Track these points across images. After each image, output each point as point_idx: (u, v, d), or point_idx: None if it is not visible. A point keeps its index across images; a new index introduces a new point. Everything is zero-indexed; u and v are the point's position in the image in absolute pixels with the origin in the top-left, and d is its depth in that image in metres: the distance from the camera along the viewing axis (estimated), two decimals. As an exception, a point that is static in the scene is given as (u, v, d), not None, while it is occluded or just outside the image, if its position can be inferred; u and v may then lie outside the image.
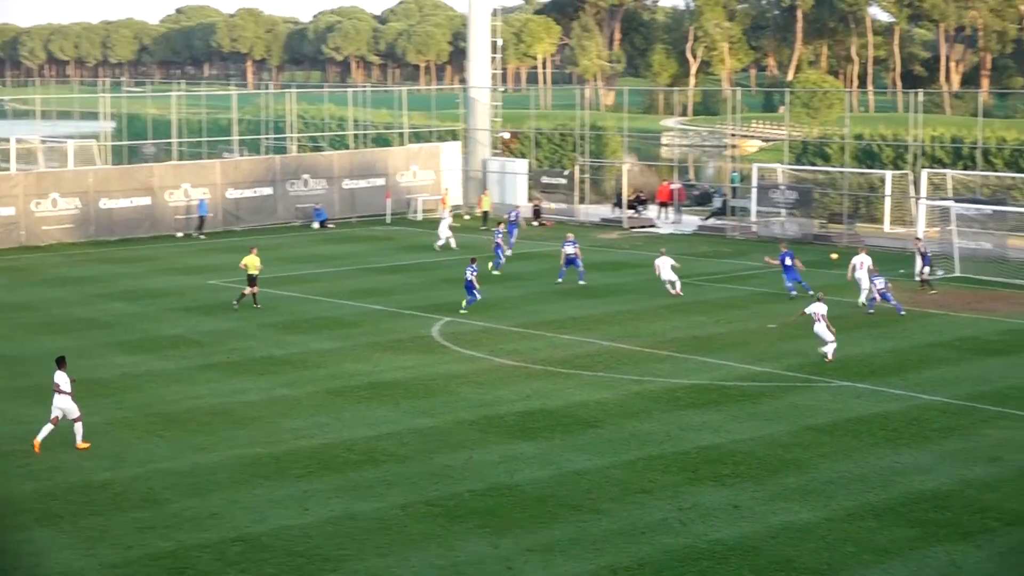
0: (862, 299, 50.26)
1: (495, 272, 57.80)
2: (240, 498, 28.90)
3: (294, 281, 57.64)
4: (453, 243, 66.13)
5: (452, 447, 32.73)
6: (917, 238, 58.08)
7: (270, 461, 31.63)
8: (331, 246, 69.30)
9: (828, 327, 41.90)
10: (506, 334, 46.40)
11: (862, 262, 51.08)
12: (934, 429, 34.29)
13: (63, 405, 32.34)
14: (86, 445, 32.36)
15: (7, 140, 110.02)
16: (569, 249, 55.92)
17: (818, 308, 42.18)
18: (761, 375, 40.18)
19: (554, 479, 30.20)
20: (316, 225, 76.31)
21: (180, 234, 73.13)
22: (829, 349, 41.79)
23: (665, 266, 53.00)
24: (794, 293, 52.40)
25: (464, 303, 50.10)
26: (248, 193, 76.72)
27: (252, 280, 50.96)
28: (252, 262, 50.97)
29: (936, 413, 35.82)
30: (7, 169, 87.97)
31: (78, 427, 32.43)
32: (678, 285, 52.81)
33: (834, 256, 59.41)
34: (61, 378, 32.46)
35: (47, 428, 32.21)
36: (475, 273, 50.07)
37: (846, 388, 38.51)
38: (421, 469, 30.94)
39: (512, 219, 67.31)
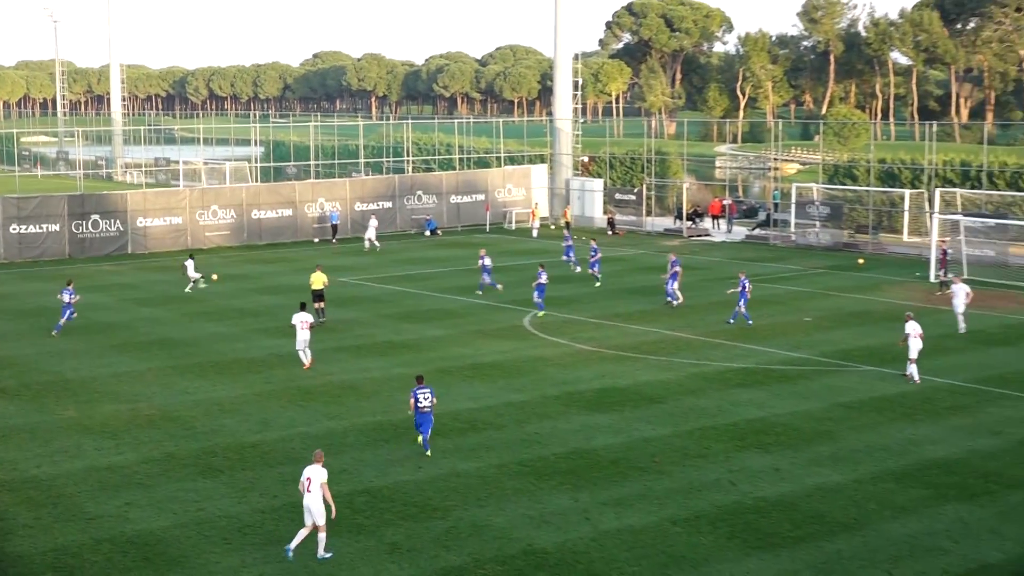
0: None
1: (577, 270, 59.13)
2: (365, 457, 29.07)
3: (409, 279, 57.80)
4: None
5: (539, 417, 32.71)
6: None
7: (389, 428, 31.76)
8: (439, 250, 69.39)
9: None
10: (584, 324, 46.27)
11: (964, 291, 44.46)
12: (945, 407, 33.80)
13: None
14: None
15: (177, 162, 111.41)
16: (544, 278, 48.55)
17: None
18: (798, 360, 39.77)
19: (625, 445, 30.10)
20: (427, 233, 76.48)
21: (316, 240, 73.63)
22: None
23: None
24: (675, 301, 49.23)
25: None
26: (372, 206, 77.03)
27: (318, 296, 46.08)
28: (318, 279, 46.47)
29: (946, 394, 35.30)
30: (176, 185, 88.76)
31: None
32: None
33: (860, 261, 58.67)
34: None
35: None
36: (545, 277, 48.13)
37: (871, 372, 38.05)
38: (514, 436, 30.95)
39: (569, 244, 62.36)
